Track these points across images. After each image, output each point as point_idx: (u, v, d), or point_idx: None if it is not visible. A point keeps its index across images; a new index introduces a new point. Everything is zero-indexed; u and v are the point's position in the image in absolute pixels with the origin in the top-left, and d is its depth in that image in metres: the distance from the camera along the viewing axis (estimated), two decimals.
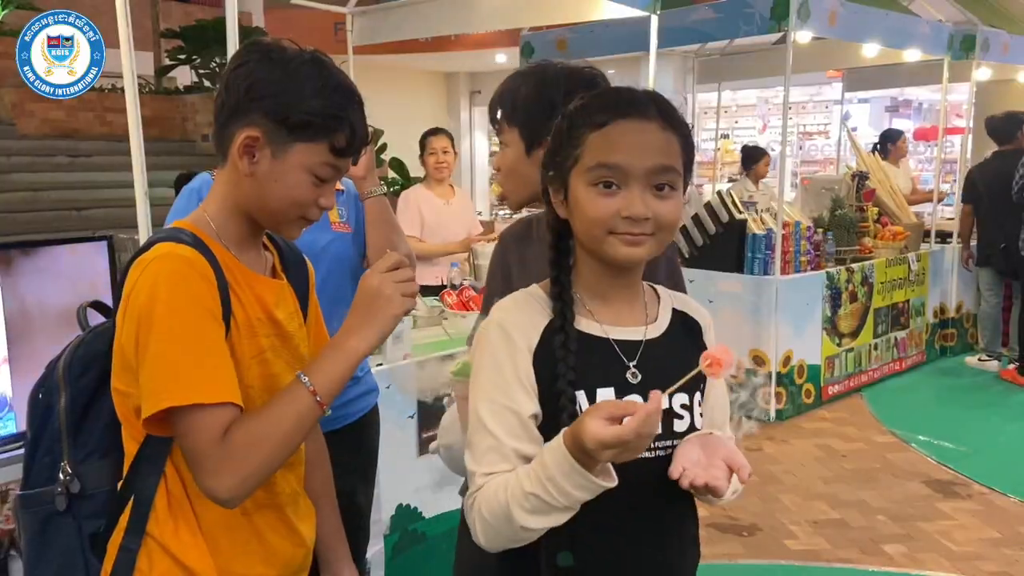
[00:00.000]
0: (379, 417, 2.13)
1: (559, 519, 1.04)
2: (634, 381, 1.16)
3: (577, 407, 1.10)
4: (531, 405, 1.11)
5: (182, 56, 10.66)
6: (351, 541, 1.62)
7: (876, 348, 5.74)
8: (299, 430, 1.17)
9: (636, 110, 1.12)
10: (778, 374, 4.94)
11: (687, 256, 5.32)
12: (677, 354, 1.21)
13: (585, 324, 1.17)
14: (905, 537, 3.52)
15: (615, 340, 1.17)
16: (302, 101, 1.18)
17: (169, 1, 12.58)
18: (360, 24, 5.09)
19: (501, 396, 1.11)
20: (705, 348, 1.27)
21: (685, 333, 1.26)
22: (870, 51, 5.97)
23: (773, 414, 4.99)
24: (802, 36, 4.99)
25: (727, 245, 5.07)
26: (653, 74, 4.03)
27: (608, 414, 0.96)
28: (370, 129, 1.32)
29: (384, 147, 11.97)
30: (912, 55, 6.16)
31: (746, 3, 4.80)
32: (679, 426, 1.18)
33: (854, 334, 5.52)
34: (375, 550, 2.80)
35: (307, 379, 1.15)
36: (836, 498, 3.92)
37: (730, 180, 13.23)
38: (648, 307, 1.24)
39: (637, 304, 1.22)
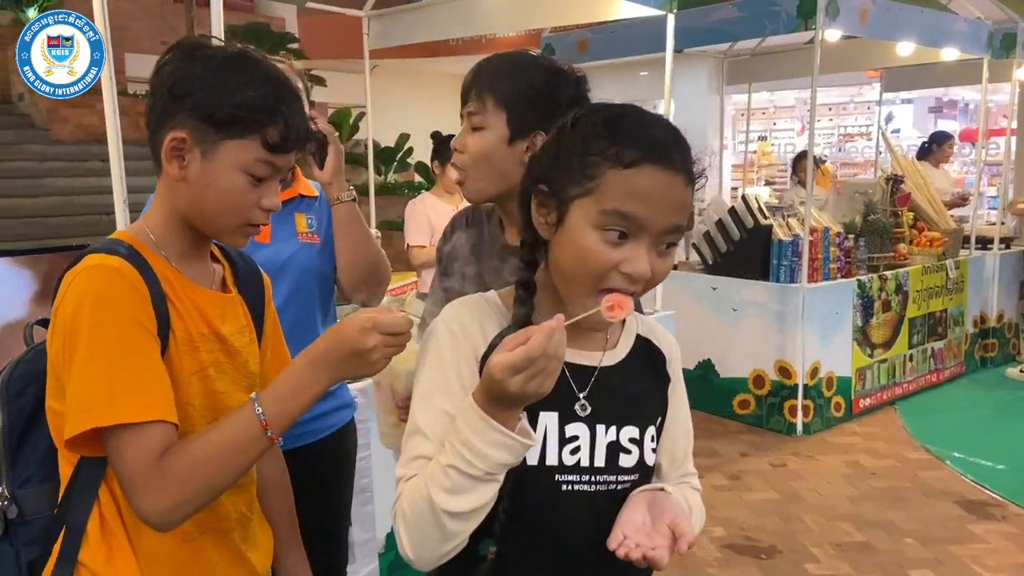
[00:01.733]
0: (355, 432, 2.03)
1: (483, 495, 0.95)
2: (583, 413, 1.07)
3: None
4: None
5: None
6: (323, 562, 1.54)
7: (911, 359, 5.51)
8: (243, 462, 1.10)
9: (665, 156, 0.99)
10: (805, 386, 4.75)
11: (710, 263, 5.16)
12: (634, 384, 1.12)
13: None
14: (934, 562, 3.33)
15: (566, 363, 1.06)
16: (227, 95, 1.11)
17: (204, 8, 12.74)
18: (376, 27, 5.03)
19: (441, 399, 1.03)
20: (668, 379, 1.17)
21: (647, 363, 1.15)
22: (904, 50, 5.74)
23: (800, 428, 4.80)
24: (831, 35, 4.80)
25: (751, 251, 4.90)
26: (670, 75, 3.88)
27: (511, 344, 0.89)
28: (315, 126, 1.23)
29: (410, 151, 11.99)
30: (950, 54, 5.92)
31: (771, 1, 4.63)
32: (626, 461, 1.08)
33: (887, 345, 5.30)
34: (369, 569, 2.71)
35: (261, 410, 1.07)
36: (862, 519, 3.74)
37: (767, 183, 12.98)
38: (609, 330, 1.13)
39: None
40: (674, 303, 4.24)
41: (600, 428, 1.07)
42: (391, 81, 9.66)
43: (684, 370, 1.23)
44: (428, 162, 9.26)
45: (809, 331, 4.74)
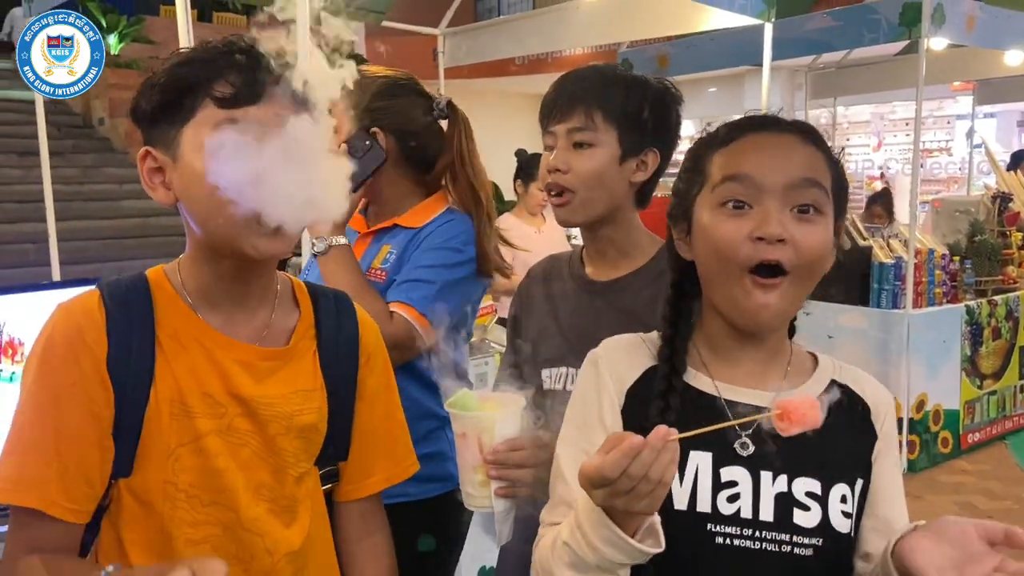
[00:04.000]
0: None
1: None
2: (743, 452, 0.93)
3: None
4: None
5: None
6: None
7: (1022, 391, 5.11)
8: None
9: (771, 124, 0.97)
10: (910, 420, 4.42)
11: None
12: (819, 431, 0.91)
13: (694, 377, 0.98)
14: None
15: (728, 401, 0.95)
16: (156, 81, 0.96)
17: None
18: (452, 45, 4.92)
19: (582, 440, 0.98)
20: (874, 435, 1.00)
21: (841, 410, 0.97)
22: (1013, 59, 5.39)
23: (905, 465, 4.46)
24: (936, 43, 4.50)
25: (849, 275, 4.60)
26: (767, 88, 3.66)
27: (607, 445, 0.80)
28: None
29: None
30: None
31: (871, 9, 4.37)
32: (804, 519, 0.92)
33: (997, 375, 4.92)
34: None
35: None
36: None
37: None
38: (791, 374, 0.99)
39: (773, 366, 0.99)
40: None
41: (765, 476, 0.93)
42: (456, 101, 9.60)
43: None
44: (496, 181, 9.15)
45: (915, 361, 4.41)
